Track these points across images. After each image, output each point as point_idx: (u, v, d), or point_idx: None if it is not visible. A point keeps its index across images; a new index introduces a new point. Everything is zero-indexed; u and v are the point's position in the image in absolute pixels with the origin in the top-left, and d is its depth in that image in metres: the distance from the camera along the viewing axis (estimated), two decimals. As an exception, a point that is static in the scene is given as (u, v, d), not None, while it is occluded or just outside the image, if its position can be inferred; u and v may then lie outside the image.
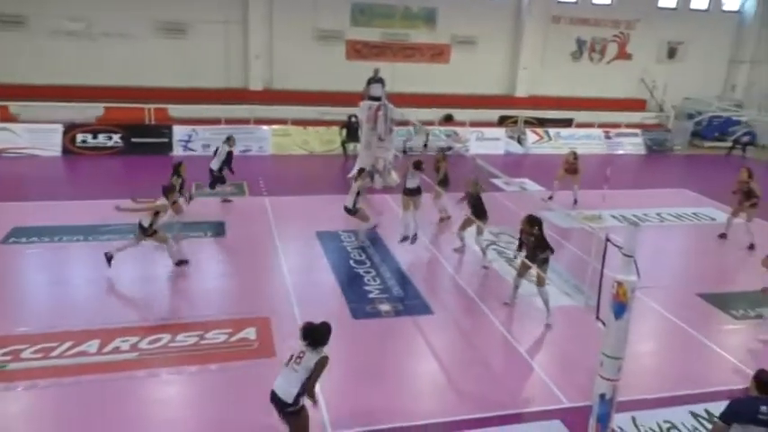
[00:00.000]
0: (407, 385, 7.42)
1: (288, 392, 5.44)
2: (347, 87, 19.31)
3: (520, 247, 9.05)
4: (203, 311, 8.66)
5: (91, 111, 18.14)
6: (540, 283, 8.73)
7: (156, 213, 9.64)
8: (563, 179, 14.43)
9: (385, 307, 9.12)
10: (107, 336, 7.83)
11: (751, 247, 12.17)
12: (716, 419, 5.07)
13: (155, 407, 6.76)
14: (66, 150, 16.99)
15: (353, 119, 17.18)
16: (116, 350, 7.59)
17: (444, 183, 12.77)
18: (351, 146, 17.77)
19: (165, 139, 17.70)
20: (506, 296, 9.46)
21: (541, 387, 7.39)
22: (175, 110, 18.68)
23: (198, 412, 6.71)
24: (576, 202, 14.27)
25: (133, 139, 17.46)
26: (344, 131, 17.94)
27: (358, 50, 21.03)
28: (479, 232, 10.80)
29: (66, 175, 15.76)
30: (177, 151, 17.60)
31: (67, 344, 7.60)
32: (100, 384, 6.95)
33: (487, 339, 8.45)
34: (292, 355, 5.61)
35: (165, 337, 7.91)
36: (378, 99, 15.69)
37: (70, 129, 17.22)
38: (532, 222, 8.72)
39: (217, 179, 13.09)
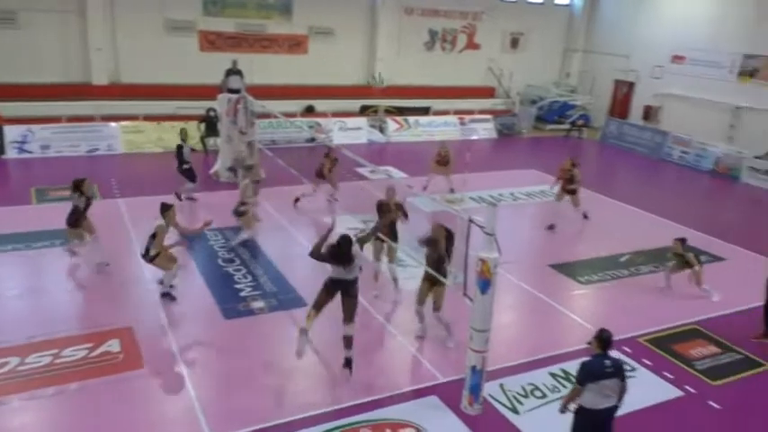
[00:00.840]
0: (287, 380, 7.36)
1: (352, 275, 7.26)
2: (203, 80, 18.52)
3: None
4: (57, 328, 7.93)
5: None
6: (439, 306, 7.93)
7: (154, 236, 8.52)
8: (436, 171, 14.64)
9: (258, 304, 8.95)
10: (-60, 366, 6.95)
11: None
12: (573, 384, 5.55)
13: (6, 438, 6.11)
14: None
15: (212, 113, 16.53)
16: (-47, 381, 6.76)
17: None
18: (211, 141, 17.08)
19: (-5, 141, 15.85)
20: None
21: (417, 366, 7.69)
22: (5, 108, 16.74)
23: (59, 437, 6.17)
24: (452, 191, 14.55)
25: (-45, 143, 15.46)
26: (203, 126, 17.20)
27: (212, 42, 20.21)
28: (391, 258, 9.52)
29: None
30: (10, 154, 15.84)
31: None
32: (-64, 421, 6.15)
33: (363, 325, 8.55)
34: (343, 263, 7.14)
35: (13, 361, 7.16)
36: (237, 91, 15.21)
37: None
38: (451, 234, 7.61)
39: (186, 174, 12.95)
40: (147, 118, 17.84)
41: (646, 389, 7.43)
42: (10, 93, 17.20)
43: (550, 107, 24.59)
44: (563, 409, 5.75)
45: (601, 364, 5.45)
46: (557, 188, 13.39)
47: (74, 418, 6.43)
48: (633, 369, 7.83)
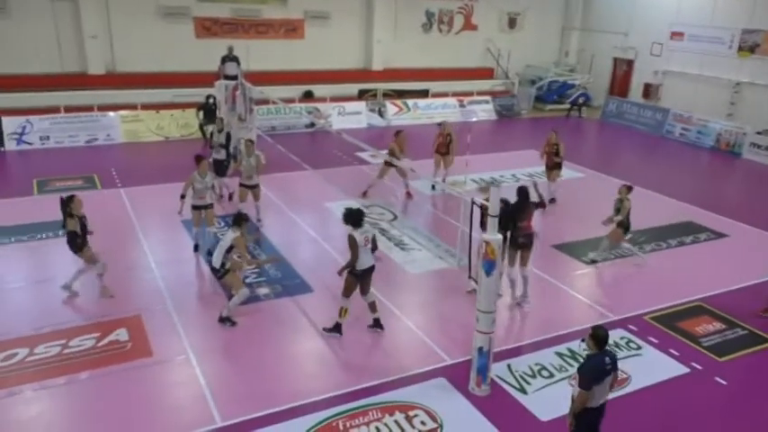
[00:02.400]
0: (295, 365, 7.41)
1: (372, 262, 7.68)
2: (200, 67, 18.42)
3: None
4: (64, 318, 7.96)
5: None
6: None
7: (230, 249, 7.87)
8: (438, 162, 13.71)
9: (263, 290, 8.97)
10: (-50, 359, 6.98)
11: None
12: (579, 391, 5.25)
13: (20, 428, 6.14)
14: None
15: (211, 100, 16.42)
16: (-37, 373, 6.79)
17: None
18: (210, 128, 16.97)
19: (-6, 133, 15.78)
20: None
21: (425, 349, 7.71)
22: (3, 99, 16.64)
23: (75, 425, 6.22)
24: (443, 180, 13.47)
25: (-47, 136, 15.39)
26: (201, 113, 17.11)
27: (207, 28, 20.01)
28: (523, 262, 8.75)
29: None
30: (10, 146, 15.78)
31: None
32: (-52, 413, 6.19)
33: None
34: (366, 238, 7.46)
35: (22, 352, 7.20)
36: (234, 78, 15.13)
37: None
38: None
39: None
40: (145, 106, 17.74)
41: (652, 367, 7.48)
42: (5, 84, 17.08)
43: (549, 87, 24.45)
44: (572, 420, 5.35)
45: (602, 363, 5.25)
46: (543, 163, 13.32)
47: (86, 406, 6.47)
48: (639, 347, 7.87)
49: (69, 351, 7.28)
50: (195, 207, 9.76)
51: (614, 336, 8.07)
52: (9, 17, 17.32)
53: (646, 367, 7.44)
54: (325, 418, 6.33)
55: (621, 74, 24.62)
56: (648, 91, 23.11)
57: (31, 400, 6.50)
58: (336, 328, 7.84)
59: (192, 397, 6.65)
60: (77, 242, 8.31)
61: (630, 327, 8.31)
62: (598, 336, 5.26)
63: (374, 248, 7.64)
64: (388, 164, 12.58)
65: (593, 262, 10.35)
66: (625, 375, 7.22)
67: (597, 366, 5.24)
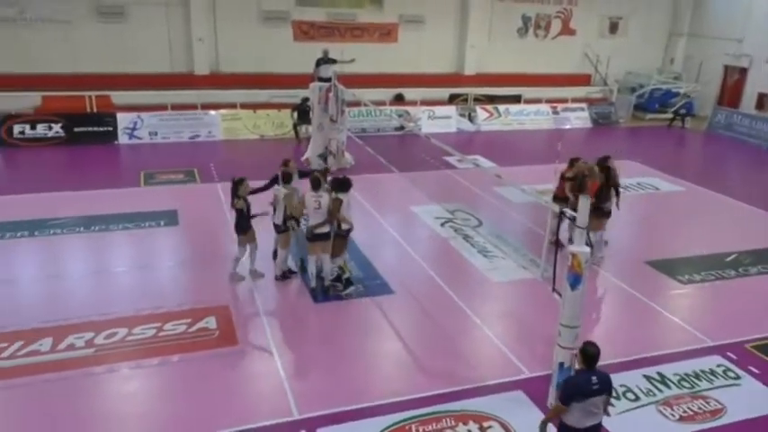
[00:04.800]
0: (372, 365, 7.48)
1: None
2: (296, 69, 19.03)
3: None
4: (159, 303, 8.46)
5: (28, 100, 17.29)
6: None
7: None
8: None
9: (345, 290, 9.11)
10: (60, 333, 7.59)
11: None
12: (556, 402, 5.06)
13: (117, 402, 6.59)
14: (2, 143, 16.18)
15: (307, 101, 16.93)
16: (70, 347, 7.36)
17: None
18: (303, 128, 17.56)
19: (110, 128, 17.05)
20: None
21: (503, 360, 7.56)
22: (118, 97, 18.01)
23: (163, 405, 6.60)
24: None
25: (75, 129, 16.76)
26: (296, 114, 17.70)
27: (305, 32, 20.68)
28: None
29: (6, 169, 15.02)
30: (123, 140, 17.01)
31: (18, 344, 7.33)
32: (55, 383, 6.74)
33: (449, 315, 8.56)
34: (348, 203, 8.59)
35: (122, 331, 7.71)
36: (327, 80, 15.50)
37: (6, 119, 16.38)
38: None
39: None
40: (244, 106, 18.57)
41: (752, 399, 6.94)
42: (121, 82, 18.45)
43: (651, 95, 23.28)
44: (542, 428, 5.26)
45: (587, 381, 5.04)
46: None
47: (174, 387, 6.86)
48: (738, 377, 7.32)
49: (163, 334, 7.73)
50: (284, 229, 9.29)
51: (710, 363, 7.57)
52: (127, 21, 18.68)
53: (744, 399, 6.92)
54: (398, 421, 6.34)
55: (732, 83, 23.06)
56: (763, 102, 21.50)
57: (128, 378, 6.96)
58: (347, 283, 8.84)
59: (271, 388, 6.87)
60: (243, 222, 8.97)
61: (729, 354, 7.75)
62: (586, 352, 5.14)
63: None
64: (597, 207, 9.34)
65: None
66: (720, 406, 6.76)
67: (579, 383, 5.09)
